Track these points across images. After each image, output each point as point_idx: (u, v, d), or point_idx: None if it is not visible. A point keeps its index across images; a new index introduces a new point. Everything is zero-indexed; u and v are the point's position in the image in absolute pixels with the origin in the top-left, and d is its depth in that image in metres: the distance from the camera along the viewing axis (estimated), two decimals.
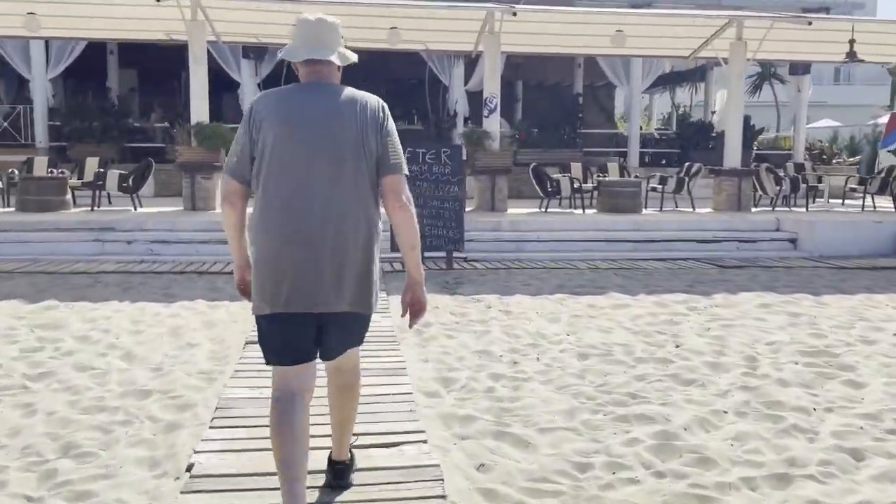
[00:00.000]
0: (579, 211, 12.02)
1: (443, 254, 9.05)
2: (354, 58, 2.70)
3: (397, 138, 2.67)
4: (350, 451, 3.05)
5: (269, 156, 2.53)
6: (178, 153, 11.12)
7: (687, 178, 12.41)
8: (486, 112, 11.98)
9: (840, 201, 13.74)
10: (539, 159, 16.12)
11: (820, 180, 13.09)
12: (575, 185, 12.09)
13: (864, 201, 12.90)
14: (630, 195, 11.97)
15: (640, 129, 18.13)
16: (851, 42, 12.11)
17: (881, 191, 12.76)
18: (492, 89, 11.92)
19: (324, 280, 2.52)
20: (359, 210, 2.56)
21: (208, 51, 15.60)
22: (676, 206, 12.67)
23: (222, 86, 16.41)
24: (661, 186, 12.64)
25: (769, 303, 7.04)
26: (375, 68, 21.32)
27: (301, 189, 2.52)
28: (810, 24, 10.51)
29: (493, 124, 11.97)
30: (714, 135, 17.43)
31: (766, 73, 18.18)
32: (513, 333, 5.77)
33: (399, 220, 2.62)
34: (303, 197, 2.51)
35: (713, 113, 19.81)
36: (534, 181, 12.25)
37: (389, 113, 2.68)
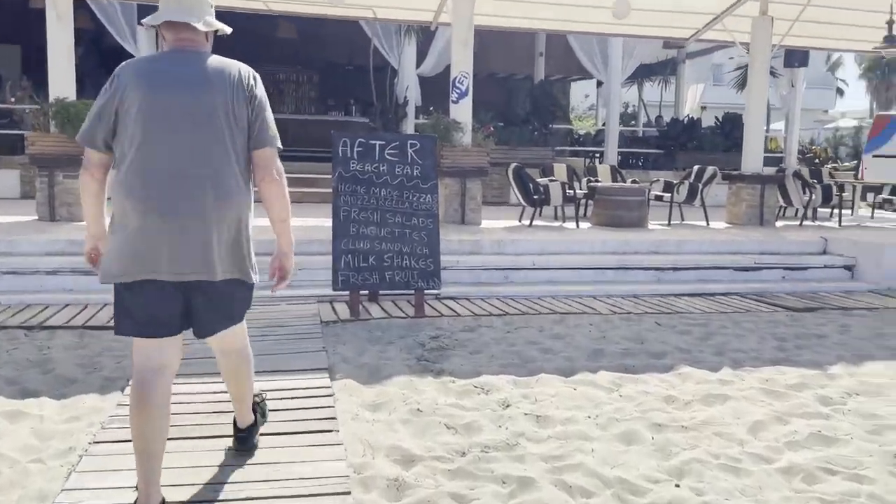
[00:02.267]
0: (572, 225, 9.43)
1: (409, 292, 6.27)
2: (224, 28, 2.69)
3: (270, 110, 2.66)
4: (254, 412, 3.13)
5: (133, 123, 2.46)
6: (30, 141, 7.93)
7: (700, 185, 9.98)
8: (454, 96, 9.23)
9: (868, 214, 11.59)
10: (508, 158, 13.55)
11: (843, 189, 10.95)
12: (567, 192, 9.49)
13: None
14: (634, 205, 9.45)
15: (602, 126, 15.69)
16: (890, 23, 9.95)
17: None
18: (463, 67, 9.18)
19: (190, 248, 2.47)
20: (226, 179, 2.52)
21: (94, 16, 12.39)
22: (683, 220, 10.24)
23: (114, 59, 13.20)
24: (667, 195, 10.18)
25: None
26: (308, 51, 18.47)
27: (167, 156, 2.46)
28: None
29: (465, 112, 9.24)
30: (702, 133, 15.21)
31: None
32: (576, 485, 3.04)
33: (271, 194, 2.64)
34: (168, 164, 2.46)
35: (690, 115, 17.67)
36: (514, 186, 9.59)
37: (261, 82, 2.65)
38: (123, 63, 2.58)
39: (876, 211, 11.47)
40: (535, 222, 9.35)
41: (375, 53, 14.37)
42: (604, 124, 20.18)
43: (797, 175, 10.46)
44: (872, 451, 3.51)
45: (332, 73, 18.65)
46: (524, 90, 19.04)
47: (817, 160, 15.96)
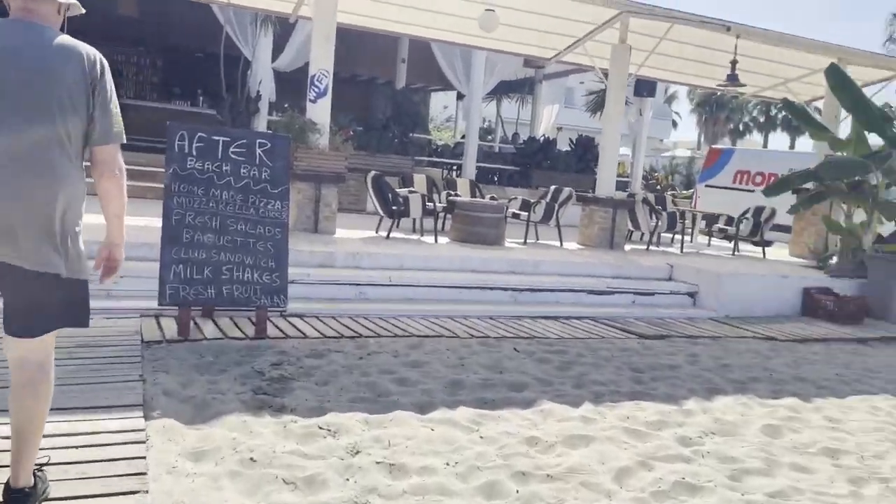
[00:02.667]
0: (430, 239, 9.10)
1: (250, 309, 5.60)
2: (79, 7, 2.53)
3: (116, 102, 2.51)
4: (36, 476, 2.55)
5: None
6: None
7: (556, 206, 10.02)
8: (312, 95, 8.61)
9: (706, 241, 12.25)
10: (367, 165, 13.08)
11: (683, 216, 11.46)
12: (427, 205, 9.15)
13: (735, 245, 11.46)
14: (493, 223, 9.29)
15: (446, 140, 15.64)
16: (733, 63, 10.54)
17: (752, 234, 11.37)
18: (323, 64, 8.59)
19: (3, 231, 2.33)
20: (54, 167, 2.36)
21: None
22: (538, 239, 10.25)
23: None
24: (524, 213, 10.13)
25: (774, 424, 4.58)
26: (152, 32, 16.93)
27: None
28: (729, 29, 8.66)
29: (323, 112, 8.65)
30: (557, 154, 15.53)
31: None
32: None
33: (109, 191, 2.54)
34: None
35: (545, 135, 18.06)
36: (373, 196, 9.11)
37: (109, 72, 2.49)
38: None
39: (712, 239, 12.13)
40: (392, 234, 8.92)
41: (228, 42, 13.37)
42: (463, 137, 20.26)
43: (646, 201, 10.80)
44: (733, 500, 3.38)
45: (178, 58, 17.27)
46: (385, 95, 18.65)
47: (658, 186, 16.81)
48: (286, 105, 9.14)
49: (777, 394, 5.29)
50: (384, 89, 19.56)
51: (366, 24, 11.08)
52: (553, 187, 10.69)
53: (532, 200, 10.69)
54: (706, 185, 18.35)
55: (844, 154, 10.45)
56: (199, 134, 5.45)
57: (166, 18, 15.50)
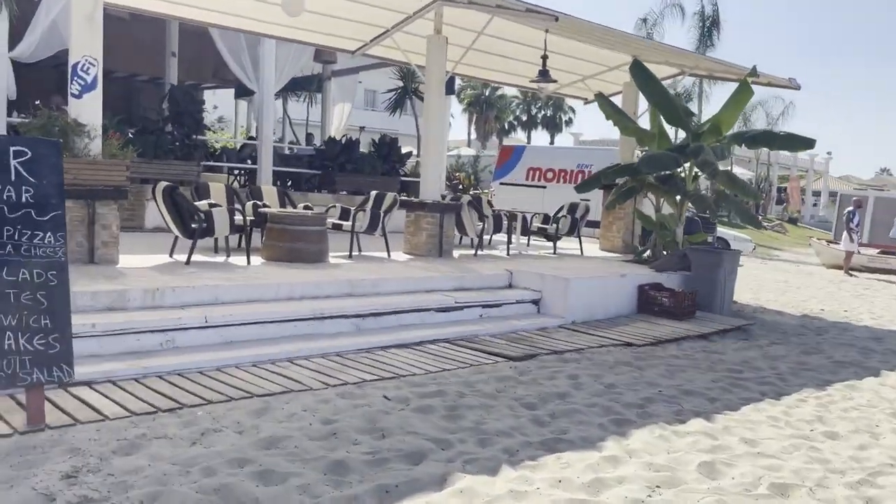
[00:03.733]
0: (238, 260, 7.64)
1: (18, 390, 3.91)
2: None
3: None
4: None
5: None
6: None
7: (382, 213, 9.02)
8: (75, 88, 6.74)
9: (525, 241, 11.96)
10: (144, 174, 11.10)
11: (513, 217, 11.05)
12: (236, 220, 7.66)
13: (555, 244, 11.27)
14: (314, 237, 8.06)
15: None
16: (544, 58, 10.31)
17: (570, 232, 11.28)
18: (89, 50, 6.76)
19: None
20: None
21: None
22: (361, 251, 9.17)
23: None
24: (346, 223, 9.01)
25: (706, 460, 4.01)
26: None
27: None
28: (557, 19, 8.21)
29: (92, 111, 6.81)
30: (361, 156, 14.50)
31: (408, 88, 15.92)
32: None
33: None
34: None
35: (347, 135, 16.94)
36: (165, 212, 7.42)
37: None
38: None
39: (531, 239, 11.91)
40: (193, 258, 7.32)
41: None
42: (251, 138, 18.44)
43: (471, 204, 10.19)
44: None
45: None
46: (155, 94, 16.33)
47: (461, 187, 16.50)
48: (37, 103, 7.12)
49: (680, 415, 4.80)
50: (150, 87, 17.13)
51: (134, 5, 9.21)
52: (374, 193, 9.66)
53: (348, 207, 9.59)
54: (500, 183, 18.47)
55: (649, 149, 10.67)
56: None
57: None
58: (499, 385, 5.22)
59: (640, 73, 10.42)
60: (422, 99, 16.17)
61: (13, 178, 3.91)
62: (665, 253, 10.00)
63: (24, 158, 3.96)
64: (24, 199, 3.92)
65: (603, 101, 10.75)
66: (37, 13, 10.99)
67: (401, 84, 16.24)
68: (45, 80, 13.40)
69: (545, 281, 8.12)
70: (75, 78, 6.74)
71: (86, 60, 6.74)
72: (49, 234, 3.96)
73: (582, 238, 11.51)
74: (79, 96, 6.76)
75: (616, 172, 10.60)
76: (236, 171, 15.55)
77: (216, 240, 8.05)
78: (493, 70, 12.32)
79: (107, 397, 4.33)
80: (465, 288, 7.81)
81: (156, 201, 7.51)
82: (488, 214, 10.34)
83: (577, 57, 11.49)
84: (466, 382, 5.23)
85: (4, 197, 3.86)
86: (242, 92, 17.27)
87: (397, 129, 20.18)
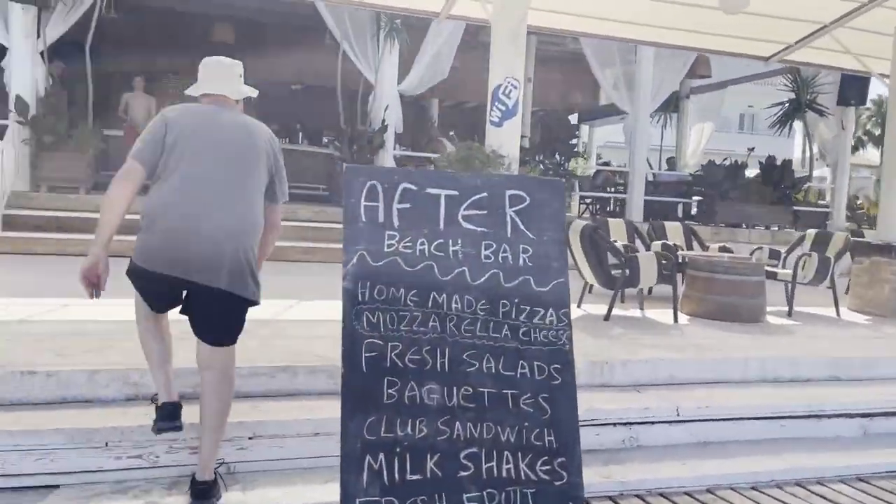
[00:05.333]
0: (657, 314, 6.23)
1: None
2: (253, 92, 3.12)
3: (284, 170, 3.10)
4: (216, 473, 3.03)
5: (176, 156, 2.82)
6: None
7: (832, 259, 6.95)
8: (494, 115, 5.96)
9: None
10: None
11: None
12: (664, 263, 6.28)
13: None
14: (751, 289, 6.34)
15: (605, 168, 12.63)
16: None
17: None
18: (510, 71, 5.93)
19: (208, 259, 2.77)
20: (251, 209, 2.90)
21: None
22: (794, 306, 7.13)
23: None
24: (785, 271, 7.12)
25: None
26: (246, 58, 14.96)
27: (203, 188, 2.80)
28: None
29: (510, 139, 5.98)
30: (747, 182, 12.38)
31: (801, 101, 13.39)
32: None
33: (270, 241, 3.14)
34: (203, 195, 2.79)
35: (730, 159, 14.89)
36: (583, 255, 6.30)
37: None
38: (170, 108, 2.97)
39: None
40: (612, 312, 6.07)
41: (346, 63, 11.05)
42: (605, 163, 17.33)
43: None
44: None
45: (276, 89, 15.13)
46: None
47: (867, 217, 13.39)
48: (451, 133, 6.56)
49: None
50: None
51: (550, 26, 8.34)
52: (813, 232, 7.62)
53: (777, 249, 7.67)
54: None
55: None
56: (404, 185, 2.81)
57: (263, 46, 13.38)
58: None
59: None
60: (819, 113, 13.51)
61: (509, 232, 2.87)
62: None
63: (520, 206, 2.91)
64: (521, 262, 2.86)
65: None
66: (423, 45, 11.00)
67: (791, 97, 13.71)
68: (407, 113, 13.65)
69: None
70: (495, 104, 5.95)
71: (508, 83, 5.91)
72: (551, 311, 2.85)
73: None
74: (499, 124, 5.96)
75: None
76: (588, 200, 14.41)
77: (640, 290, 6.71)
78: None
79: None
80: None
81: (568, 242, 6.44)
82: None
83: None
84: None
85: (500, 259, 2.84)
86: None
87: (767, 150, 17.50)
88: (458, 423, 2.66)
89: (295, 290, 6.31)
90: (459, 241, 2.80)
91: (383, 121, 10.70)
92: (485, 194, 2.88)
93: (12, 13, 8.92)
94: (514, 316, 2.80)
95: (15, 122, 8.98)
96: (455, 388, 2.69)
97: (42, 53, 9.26)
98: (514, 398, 2.73)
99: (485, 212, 2.85)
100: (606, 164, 17.46)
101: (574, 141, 12.32)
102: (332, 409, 3.66)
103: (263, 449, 3.44)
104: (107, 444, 3.23)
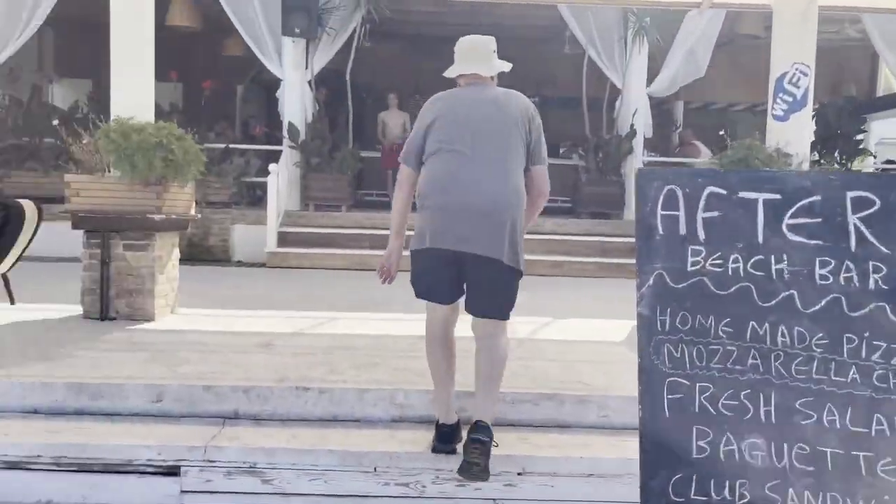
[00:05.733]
0: None
1: None
2: (506, 66, 3.16)
3: (542, 134, 3.11)
4: (490, 427, 2.98)
5: (437, 137, 3.00)
6: (68, 188, 4.78)
7: None
8: (778, 108, 5.14)
9: None
10: None
11: None
12: None
13: None
14: None
15: None
16: None
17: None
18: (798, 56, 5.08)
19: (478, 230, 2.88)
20: (509, 185, 2.95)
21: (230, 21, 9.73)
22: None
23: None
24: None
25: None
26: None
27: (466, 164, 2.94)
28: None
29: (798, 135, 5.11)
30: None
31: None
32: None
33: (536, 206, 3.16)
34: (467, 170, 2.93)
35: None
36: None
37: (537, 111, 3.10)
38: (432, 98, 3.13)
39: None
40: None
41: (589, 68, 10.61)
42: (890, 162, 14.93)
43: None
44: None
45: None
46: (752, 123, 14.31)
47: None
48: (721, 133, 5.83)
49: None
50: (748, 116, 15.19)
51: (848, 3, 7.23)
52: None
53: None
54: None
55: None
56: (710, 189, 2.29)
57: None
58: None
59: None
60: None
61: (853, 245, 2.22)
62: None
63: (868, 212, 2.24)
64: (871, 284, 2.20)
65: None
66: (674, 43, 10.20)
67: None
68: (663, 115, 12.78)
69: None
70: (779, 94, 5.13)
71: (796, 69, 5.07)
72: None
73: None
74: (783, 118, 5.14)
75: None
76: None
77: None
78: None
79: None
80: None
81: None
82: None
83: None
84: None
85: (842, 280, 2.20)
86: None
87: None
88: (791, 490, 2.08)
89: (547, 307, 5.99)
90: (785, 258, 2.23)
91: (631, 125, 10.07)
92: (817, 197, 2.26)
93: (285, 47, 9.76)
94: (864, 355, 2.15)
95: (288, 147, 9.80)
96: (786, 445, 2.11)
97: (310, 82, 10.03)
98: (869, 463, 2.08)
99: (818, 220, 2.24)
100: (892, 162, 15.03)
101: (860, 136, 10.61)
102: (605, 448, 3.28)
103: (533, 487, 3.13)
104: (375, 469, 3.12)
